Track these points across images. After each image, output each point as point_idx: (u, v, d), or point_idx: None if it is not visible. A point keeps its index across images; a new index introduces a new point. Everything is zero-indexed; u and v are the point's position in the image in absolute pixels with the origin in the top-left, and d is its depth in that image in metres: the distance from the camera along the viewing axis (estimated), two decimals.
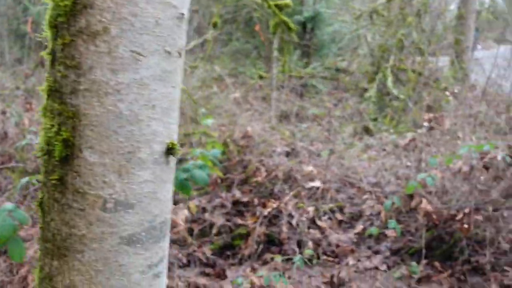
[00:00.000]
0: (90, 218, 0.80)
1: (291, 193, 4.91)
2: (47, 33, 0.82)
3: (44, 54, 0.82)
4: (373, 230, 4.46)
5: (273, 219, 4.68)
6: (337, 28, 11.00)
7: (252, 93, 8.57)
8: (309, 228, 4.70)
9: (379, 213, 4.87)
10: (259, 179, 5.02)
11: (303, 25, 11.50)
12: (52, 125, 0.80)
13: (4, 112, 5.28)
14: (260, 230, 4.53)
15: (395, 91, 7.98)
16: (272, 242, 4.59)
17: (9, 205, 1.85)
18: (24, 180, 2.00)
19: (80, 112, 0.77)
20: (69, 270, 0.82)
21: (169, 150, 0.84)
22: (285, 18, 6.72)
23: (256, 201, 4.83)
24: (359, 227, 4.85)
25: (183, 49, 0.85)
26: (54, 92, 0.79)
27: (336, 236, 4.74)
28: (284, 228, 4.60)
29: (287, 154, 6.04)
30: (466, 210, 4.20)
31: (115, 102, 0.77)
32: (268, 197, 4.93)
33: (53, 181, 0.81)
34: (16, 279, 3.36)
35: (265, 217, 4.67)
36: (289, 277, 3.95)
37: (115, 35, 0.76)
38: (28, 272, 3.39)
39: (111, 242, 0.81)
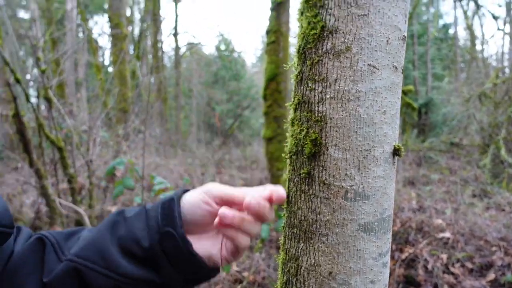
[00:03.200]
0: (333, 205, 0.71)
1: (425, 241, 4.40)
2: (294, 61, 0.80)
3: (293, 76, 0.79)
4: (509, 277, 3.76)
5: (410, 263, 4.20)
6: (448, 110, 10.22)
7: None
8: (443, 272, 4.12)
9: (509, 264, 4.12)
10: (395, 228, 4.61)
11: (418, 110, 10.92)
12: (301, 130, 0.75)
13: (203, 174, 5.65)
14: (399, 271, 4.08)
15: (510, 159, 7.02)
16: (410, 283, 4.09)
17: None
18: None
19: (327, 116, 0.71)
20: (314, 251, 0.73)
21: (395, 151, 0.74)
22: (409, 100, 6.45)
23: (393, 247, 4.41)
24: (491, 275, 4.14)
25: (403, 67, 0.76)
26: (302, 104, 0.75)
27: (470, 283, 4.08)
28: (421, 271, 4.09)
29: (415, 211, 5.51)
30: None
31: (355, 107, 0.70)
32: (403, 244, 4.48)
33: (302, 175, 0.74)
34: None
35: (403, 260, 4.22)
36: None
37: (356, 52, 0.70)
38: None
39: (351, 228, 0.71)
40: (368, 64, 0.70)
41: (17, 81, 3.34)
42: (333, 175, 0.71)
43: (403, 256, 4.18)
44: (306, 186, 0.74)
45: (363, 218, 0.71)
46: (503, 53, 16.92)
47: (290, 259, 0.77)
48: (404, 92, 6.36)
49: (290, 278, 0.77)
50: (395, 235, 4.57)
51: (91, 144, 4.87)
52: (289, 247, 0.78)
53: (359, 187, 0.71)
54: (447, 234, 4.46)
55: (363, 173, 0.71)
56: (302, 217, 0.75)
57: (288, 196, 0.78)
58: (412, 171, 8.09)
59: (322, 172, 0.72)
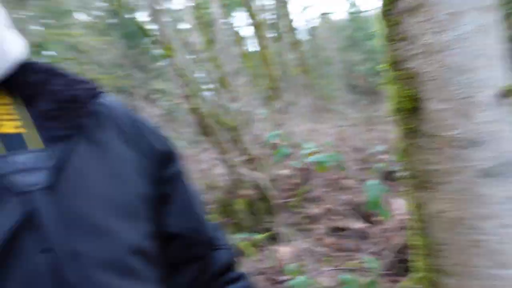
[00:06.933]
0: (444, 155, 0.70)
1: None
2: (381, 27, 0.79)
3: (383, 38, 0.78)
4: None
5: None
6: None
7: None
8: None
9: None
10: None
11: None
12: (399, 88, 0.75)
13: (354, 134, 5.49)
14: None
15: None
16: None
17: (374, 181, 1.89)
18: (380, 165, 2.00)
19: (418, 72, 0.70)
20: (434, 199, 0.74)
21: (504, 93, 0.67)
22: None
23: None
24: None
25: (495, 5, 0.68)
26: (395, 63, 0.75)
27: None
28: None
29: None
30: None
31: (443, 57, 0.67)
32: None
33: (408, 130, 0.75)
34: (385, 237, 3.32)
35: None
36: None
37: (431, 3, 0.67)
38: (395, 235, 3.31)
39: (468, 175, 0.69)
40: (447, 13, 0.66)
41: (190, 81, 4.01)
42: (437, 126, 0.70)
43: None
44: (414, 140, 0.74)
45: (480, 164, 0.68)
46: None
47: (416, 207, 0.79)
48: None
49: (421, 224, 0.79)
50: None
51: (253, 122, 5.34)
52: (412, 196, 0.79)
53: (466, 134, 0.67)
54: None
55: (468, 120, 0.67)
56: (417, 168, 0.75)
57: (402, 150, 0.79)
58: None
59: (425, 125, 0.71)
